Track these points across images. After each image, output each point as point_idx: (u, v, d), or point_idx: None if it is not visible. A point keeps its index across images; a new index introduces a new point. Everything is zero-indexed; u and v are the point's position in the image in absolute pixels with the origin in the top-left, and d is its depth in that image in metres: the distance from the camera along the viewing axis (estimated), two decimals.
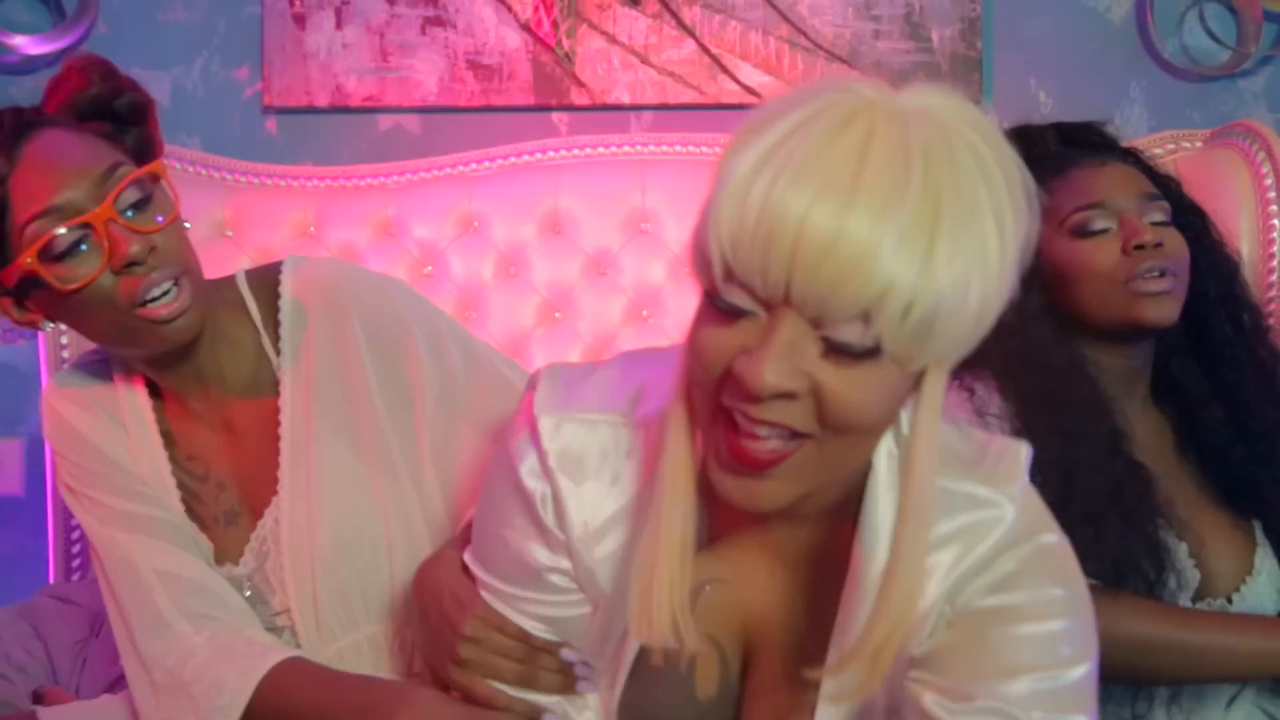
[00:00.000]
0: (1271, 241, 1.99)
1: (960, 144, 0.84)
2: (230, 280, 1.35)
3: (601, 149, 2.20)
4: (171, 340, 1.23)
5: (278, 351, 1.31)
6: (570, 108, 2.31)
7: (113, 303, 1.18)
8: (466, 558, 1.12)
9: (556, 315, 2.15)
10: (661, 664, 1.05)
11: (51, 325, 1.24)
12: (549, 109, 2.32)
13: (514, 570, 1.06)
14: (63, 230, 1.15)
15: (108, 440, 1.31)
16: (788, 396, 0.83)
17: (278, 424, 1.30)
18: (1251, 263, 1.98)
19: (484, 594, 1.09)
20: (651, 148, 2.20)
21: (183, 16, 2.34)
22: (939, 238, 0.81)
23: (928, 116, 0.84)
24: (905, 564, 0.88)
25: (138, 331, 1.21)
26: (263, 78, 2.31)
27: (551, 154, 2.22)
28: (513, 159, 2.23)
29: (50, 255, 1.15)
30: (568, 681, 1.08)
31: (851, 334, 0.82)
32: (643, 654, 1.04)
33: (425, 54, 2.29)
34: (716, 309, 0.85)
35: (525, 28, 2.28)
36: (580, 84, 2.29)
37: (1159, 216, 1.46)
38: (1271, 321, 1.97)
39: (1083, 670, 0.95)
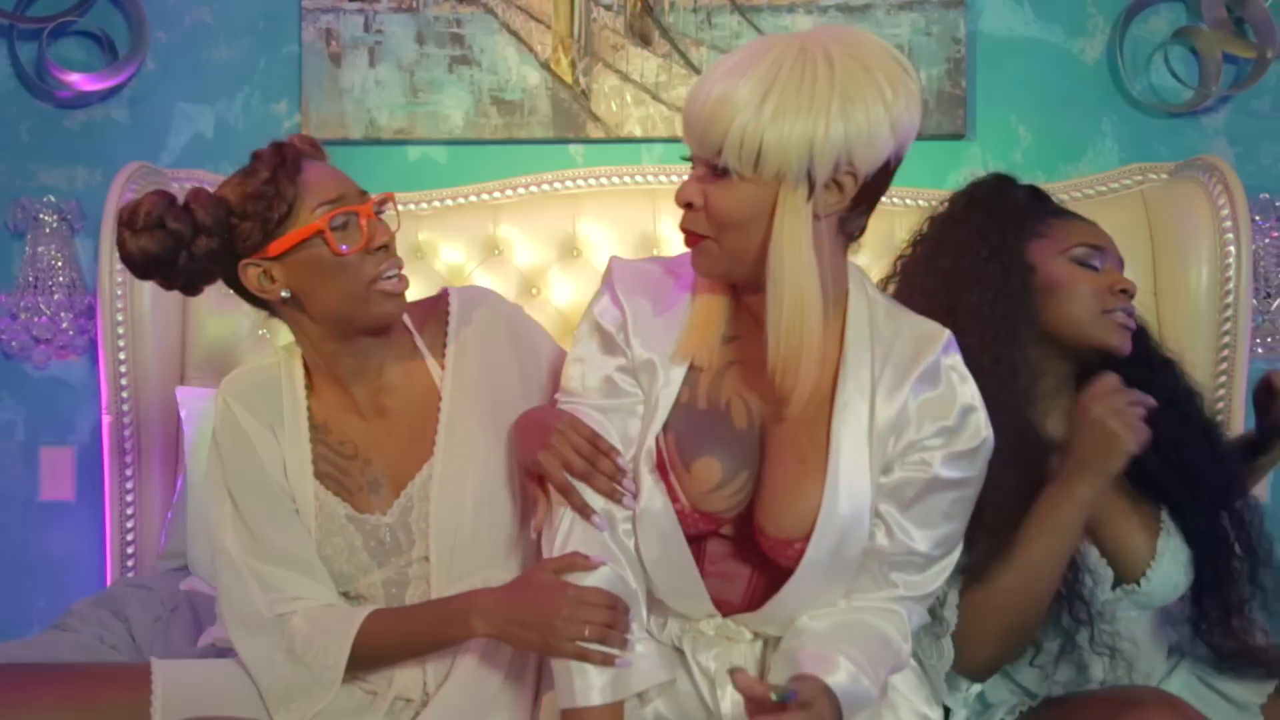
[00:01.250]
0: (1228, 267, 2.16)
1: (819, 52, 1.30)
2: None
3: (616, 179, 2.38)
4: (387, 314, 1.57)
5: (438, 354, 1.65)
6: (586, 140, 2.48)
7: (359, 273, 1.53)
8: (557, 395, 1.55)
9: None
10: (705, 406, 1.47)
11: (287, 293, 1.55)
12: (567, 141, 2.48)
13: (591, 381, 1.50)
14: (342, 211, 1.52)
15: (264, 443, 1.62)
16: (690, 206, 1.38)
17: (429, 409, 1.62)
18: (1209, 285, 2.17)
19: (567, 406, 1.51)
20: (662, 178, 2.38)
21: (226, 55, 2.51)
22: (768, 100, 1.28)
23: (819, 36, 1.32)
24: (773, 327, 1.37)
25: (366, 302, 1.54)
26: (301, 111, 2.48)
27: (569, 184, 2.39)
28: (533, 188, 2.40)
29: (332, 226, 1.51)
30: (614, 491, 1.45)
31: (713, 159, 1.33)
32: (691, 403, 1.47)
33: (452, 90, 2.47)
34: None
35: (545, 66, 2.46)
36: (596, 118, 2.46)
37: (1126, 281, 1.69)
38: (1226, 339, 2.16)
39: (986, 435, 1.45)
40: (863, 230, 1.45)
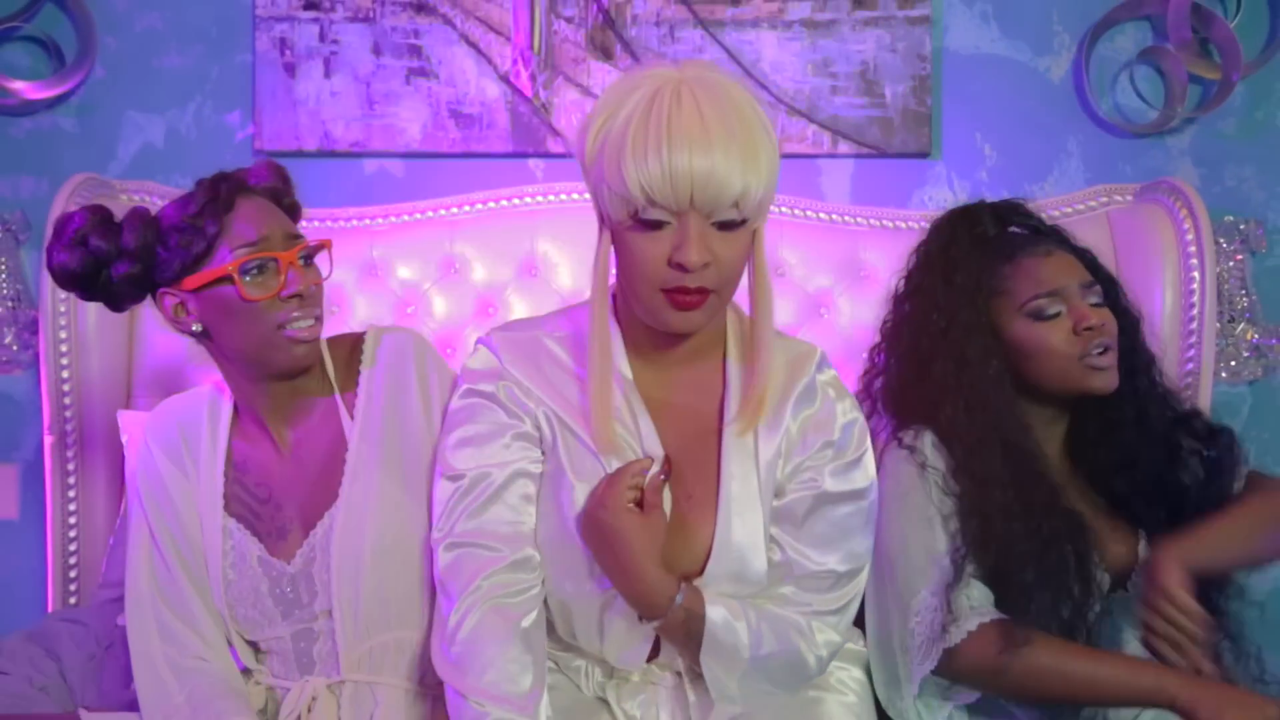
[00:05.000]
0: (1191, 291, 2.15)
1: (735, 93, 1.40)
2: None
3: (576, 195, 2.33)
4: (295, 360, 1.56)
5: (343, 391, 1.64)
6: (546, 155, 2.43)
7: (267, 318, 1.53)
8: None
9: None
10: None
11: (199, 328, 1.55)
12: (526, 156, 2.44)
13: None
14: (259, 257, 1.52)
15: (179, 489, 1.62)
16: (705, 265, 1.38)
17: (339, 453, 1.60)
18: (1173, 308, 2.15)
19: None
20: None
21: (177, 63, 2.45)
22: (752, 153, 1.37)
23: (710, 80, 1.39)
24: (763, 338, 1.48)
25: (274, 347, 1.55)
26: (254, 122, 2.43)
27: (529, 199, 2.35)
28: (491, 204, 2.35)
29: (244, 270, 1.51)
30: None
31: (731, 215, 1.39)
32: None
33: (409, 103, 2.42)
34: (641, 225, 1.39)
35: (504, 79, 2.41)
36: (556, 133, 2.42)
37: (1095, 299, 1.70)
38: (1190, 365, 2.14)
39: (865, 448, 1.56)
40: None
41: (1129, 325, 1.73)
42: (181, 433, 1.65)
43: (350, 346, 1.68)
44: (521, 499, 1.50)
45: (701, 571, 1.47)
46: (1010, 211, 1.78)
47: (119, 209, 2.30)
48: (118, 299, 1.57)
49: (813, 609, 1.50)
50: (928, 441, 1.64)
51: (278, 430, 1.63)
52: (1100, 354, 1.65)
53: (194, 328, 1.56)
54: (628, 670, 1.55)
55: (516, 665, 1.41)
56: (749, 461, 1.49)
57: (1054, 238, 1.75)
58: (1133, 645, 1.62)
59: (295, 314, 1.54)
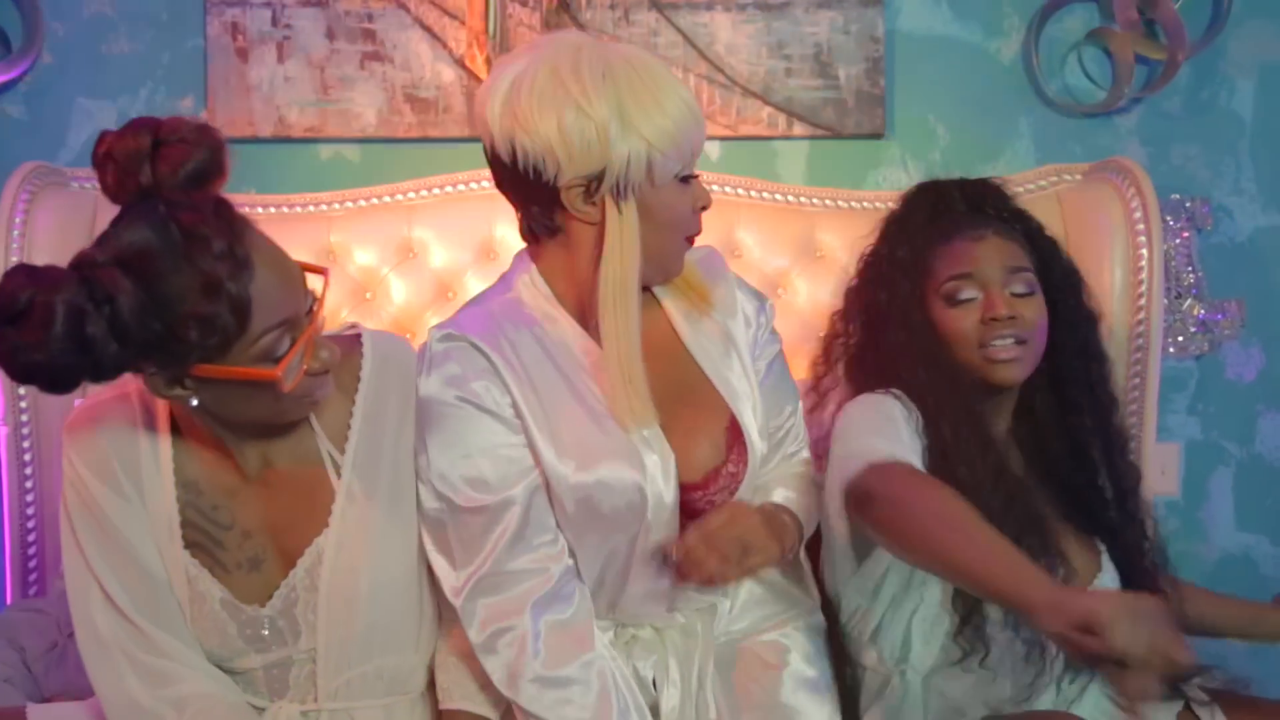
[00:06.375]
0: (1140, 269, 2.19)
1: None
2: None
3: None
4: (301, 414, 1.40)
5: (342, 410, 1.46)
6: None
7: (292, 394, 1.31)
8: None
9: None
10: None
11: (195, 402, 1.31)
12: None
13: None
14: (288, 340, 1.29)
15: (121, 515, 1.41)
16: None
17: (315, 471, 1.44)
18: (1122, 285, 2.19)
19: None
20: None
21: (126, 48, 2.42)
22: None
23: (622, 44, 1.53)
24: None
25: (287, 414, 1.38)
26: (207, 108, 2.40)
27: (486, 184, 2.28)
28: (449, 188, 2.35)
29: (272, 358, 1.28)
30: None
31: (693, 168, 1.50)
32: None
33: (364, 87, 2.41)
34: (680, 183, 1.48)
35: (459, 63, 2.41)
36: None
37: (1020, 288, 1.65)
38: (1140, 340, 2.19)
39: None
40: None
41: (1080, 321, 1.71)
42: (114, 454, 1.40)
43: (343, 348, 1.46)
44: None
45: (723, 463, 1.53)
46: (978, 191, 1.76)
47: (70, 197, 2.31)
48: (103, 378, 1.27)
49: (800, 454, 1.66)
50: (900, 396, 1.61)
51: (238, 451, 1.42)
52: (1005, 345, 1.61)
53: (191, 403, 1.31)
54: (640, 623, 1.57)
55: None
56: (731, 352, 1.57)
57: (1009, 222, 1.73)
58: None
59: (320, 382, 1.36)
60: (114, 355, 1.21)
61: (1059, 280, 1.72)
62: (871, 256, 1.75)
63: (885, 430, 1.53)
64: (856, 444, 1.50)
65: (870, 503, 1.41)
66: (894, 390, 1.62)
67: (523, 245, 1.59)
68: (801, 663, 1.59)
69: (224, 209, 1.27)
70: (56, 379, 1.22)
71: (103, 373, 1.23)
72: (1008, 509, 1.54)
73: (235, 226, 1.26)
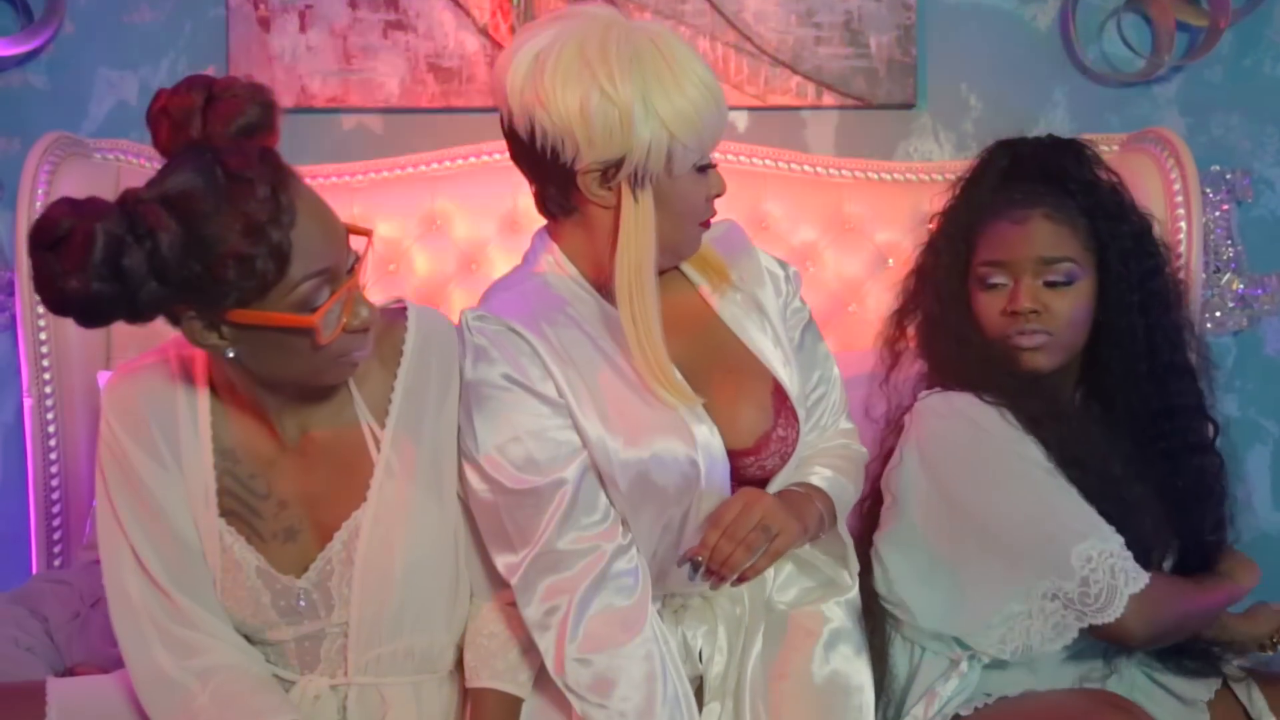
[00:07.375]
0: (1179, 242, 2.14)
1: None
2: None
3: None
4: (340, 379, 1.39)
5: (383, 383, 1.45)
6: None
7: (330, 351, 1.30)
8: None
9: None
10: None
11: (232, 353, 1.30)
12: None
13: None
14: (326, 291, 1.28)
15: (156, 480, 1.41)
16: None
17: (355, 444, 1.44)
18: None
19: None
20: None
21: (149, 17, 2.40)
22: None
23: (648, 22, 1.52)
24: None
25: (325, 373, 1.36)
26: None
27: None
28: (473, 159, 2.32)
29: (310, 307, 1.27)
30: None
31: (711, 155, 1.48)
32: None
33: (387, 57, 2.38)
34: (696, 173, 1.45)
35: (483, 32, 2.37)
36: None
37: (1054, 278, 1.61)
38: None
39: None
40: None
41: (1150, 300, 1.65)
42: (152, 418, 1.40)
43: (384, 321, 1.46)
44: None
45: (770, 432, 1.52)
46: (1058, 155, 1.68)
47: (93, 168, 2.30)
48: (139, 318, 1.26)
49: (839, 424, 1.64)
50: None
51: (276, 417, 1.42)
52: (1028, 333, 1.60)
53: (227, 353, 1.30)
54: (688, 595, 1.57)
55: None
56: (764, 321, 1.57)
57: (1074, 195, 1.65)
58: None
59: (358, 342, 1.34)
60: (151, 292, 1.21)
61: (1132, 228, 1.66)
62: (940, 215, 1.73)
63: (1054, 485, 1.54)
64: (1050, 532, 1.51)
65: (1163, 636, 1.56)
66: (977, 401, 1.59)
67: (544, 220, 1.56)
68: (841, 635, 1.59)
69: (270, 156, 1.27)
70: (91, 310, 1.21)
71: (139, 309, 1.23)
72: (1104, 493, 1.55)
73: (280, 173, 1.26)
